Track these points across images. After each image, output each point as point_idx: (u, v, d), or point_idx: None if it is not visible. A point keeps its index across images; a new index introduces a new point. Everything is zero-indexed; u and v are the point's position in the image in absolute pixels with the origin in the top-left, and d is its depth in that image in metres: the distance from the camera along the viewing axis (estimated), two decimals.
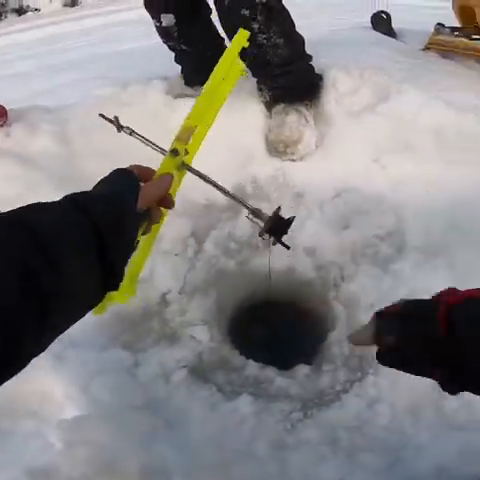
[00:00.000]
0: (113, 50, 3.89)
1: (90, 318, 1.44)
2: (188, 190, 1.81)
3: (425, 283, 1.41)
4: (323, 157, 1.83)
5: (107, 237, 0.60)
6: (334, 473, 1.13)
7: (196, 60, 1.94)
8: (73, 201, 0.61)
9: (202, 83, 0.87)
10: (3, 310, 0.47)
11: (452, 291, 0.72)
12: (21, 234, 0.53)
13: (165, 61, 2.13)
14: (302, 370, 1.40)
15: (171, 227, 1.60)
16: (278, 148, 1.80)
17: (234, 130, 1.82)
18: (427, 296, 0.72)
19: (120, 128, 0.84)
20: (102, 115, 0.85)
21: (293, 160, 1.82)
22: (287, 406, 1.30)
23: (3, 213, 0.54)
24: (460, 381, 0.69)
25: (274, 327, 1.43)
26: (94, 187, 0.68)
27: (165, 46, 2.01)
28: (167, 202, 0.75)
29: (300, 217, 1.71)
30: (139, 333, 1.47)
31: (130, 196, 0.68)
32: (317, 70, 1.91)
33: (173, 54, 2.03)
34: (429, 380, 0.70)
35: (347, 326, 1.47)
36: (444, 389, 0.70)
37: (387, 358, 0.74)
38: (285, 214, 1.66)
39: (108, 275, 0.62)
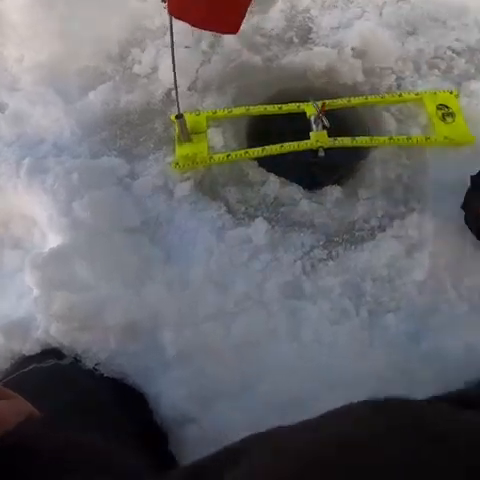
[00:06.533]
0: None
1: (80, 118, 1.19)
2: None
3: None
4: None
5: None
6: (350, 337, 0.97)
7: None
8: None
9: None
10: None
11: None
12: None
13: None
14: (333, 193, 1.13)
15: None
16: None
17: None
18: None
19: None
20: None
21: None
22: (309, 239, 1.08)
23: None
24: None
25: (303, 136, 1.12)
26: None
27: None
28: None
29: (348, 17, 1.33)
30: (138, 136, 1.20)
31: None
32: None
33: None
34: None
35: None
36: None
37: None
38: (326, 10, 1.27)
39: None
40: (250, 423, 0.81)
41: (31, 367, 0.83)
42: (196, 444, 0.86)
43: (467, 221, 1.03)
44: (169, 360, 0.91)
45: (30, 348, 0.89)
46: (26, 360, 0.88)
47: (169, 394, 0.89)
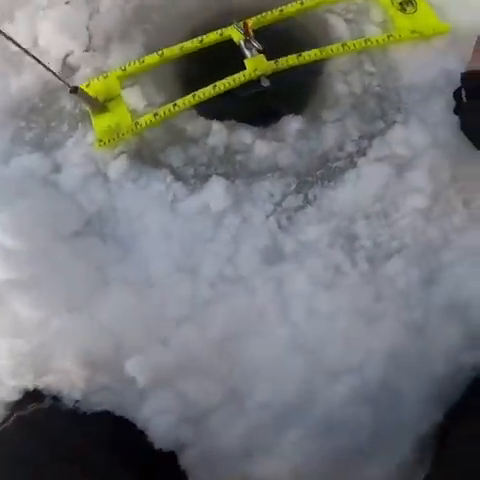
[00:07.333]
0: None
1: None
2: None
3: None
4: None
5: None
6: (351, 299, 0.80)
7: None
8: None
9: None
10: None
11: None
12: None
13: None
14: (292, 124, 0.93)
15: None
16: None
17: None
18: None
19: None
20: None
21: None
22: (278, 186, 0.90)
23: None
24: None
25: (238, 64, 0.92)
26: None
27: None
28: None
29: None
30: (48, 121, 0.98)
31: None
32: None
33: None
34: None
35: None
36: None
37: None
38: None
39: None
40: (251, 432, 0.73)
41: (14, 417, 0.78)
42: (199, 466, 0.76)
43: (464, 128, 0.85)
44: (144, 388, 0.76)
45: (8, 394, 0.83)
46: (8, 407, 0.84)
47: (156, 424, 0.75)
